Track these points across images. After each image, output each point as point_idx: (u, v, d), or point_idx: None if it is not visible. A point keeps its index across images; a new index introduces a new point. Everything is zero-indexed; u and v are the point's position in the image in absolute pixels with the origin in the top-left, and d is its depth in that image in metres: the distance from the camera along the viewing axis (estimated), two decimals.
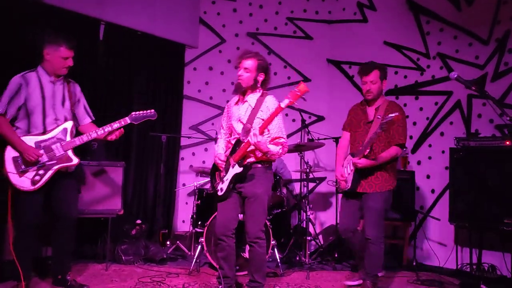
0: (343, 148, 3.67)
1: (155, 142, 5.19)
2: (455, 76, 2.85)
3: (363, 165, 3.29)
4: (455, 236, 4.43)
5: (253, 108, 3.11)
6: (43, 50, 3.14)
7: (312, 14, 5.96)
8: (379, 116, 3.34)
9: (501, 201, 3.66)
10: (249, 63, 3.09)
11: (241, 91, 3.18)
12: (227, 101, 5.60)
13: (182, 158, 5.68)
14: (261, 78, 3.14)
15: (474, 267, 4.04)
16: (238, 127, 3.17)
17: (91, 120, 3.43)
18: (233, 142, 3.19)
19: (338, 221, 3.71)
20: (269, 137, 3.07)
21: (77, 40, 4.50)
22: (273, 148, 3.03)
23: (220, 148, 3.32)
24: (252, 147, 3.00)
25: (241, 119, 3.15)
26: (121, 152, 4.95)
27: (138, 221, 4.63)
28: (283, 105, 2.91)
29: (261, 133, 2.93)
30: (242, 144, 3.04)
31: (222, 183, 3.12)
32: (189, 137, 5.16)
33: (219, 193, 3.14)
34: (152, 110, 3.38)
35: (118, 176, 4.08)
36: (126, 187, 4.73)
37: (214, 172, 3.28)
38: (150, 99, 5.26)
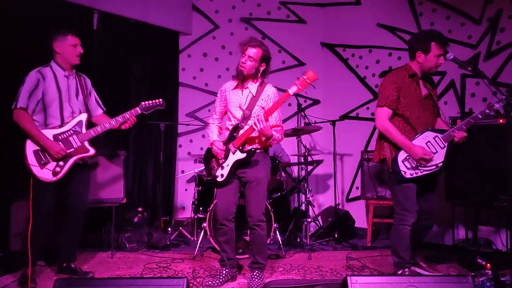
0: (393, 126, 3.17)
1: (152, 130, 5.22)
2: (451, 57, 2.92)
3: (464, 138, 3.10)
4: (451, 213, 4.54)
5: (254, 96, 3.16)
6: (52, 45, 3.24)
7: None
8: (434, 92, 3.25)
9: (496, 178, 3.74)
10: (254, 51, 3.10)
11: (241, 78, 3.20)
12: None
13: (180, 145, 5.71)
14: (262, 68, 3.17)
15: (471, 242, 4.16)
16: (238, 113, 3.20)
17: (102, 111, 3.55)
18: (230, 127, 3.22)
19: (406, 212, 3.12)
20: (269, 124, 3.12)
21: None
22: (275, 133, 3.09)
23: (215, 135, 3.33)
24: (254, 134, 3.06)
25: (241, 105, 3.19)
26: (121, 141, 4.98)
27: (140, 209, 4.69)
28: (291, 92, 2.95)
29: (267, 119, 2.97)
30: (244, 130, 3.08)
31: (222, 169, 3.16)
32: (187, 125, 5.19)
33: (219, 179, 3.16)
34: (161, 100, 3.50)
35: (119, 165, 4.12)
36: (126, 176, 4.77)
37: (210, 158, 3.27)
38: (147, 87, 5.27)
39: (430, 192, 3.26)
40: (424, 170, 3.06)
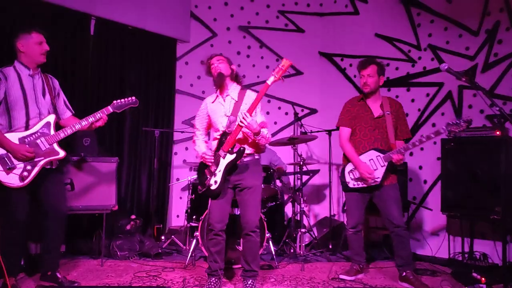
0: (350, 144, 3.68)
1: (148, 137, 5.20)
2: (446, 67, 2.89)
3: (401, 161, 3.51)
4: (447, 226, 4.48)
5: (236, 101, 3.19)
6: (16, 44, 3.10)
7: (303, 7, 5.96)
8: (388, 112, 3.60)
9: (492, 190, 3.70)
10: (219, 57, 3.27)
11: (223, 81, 3.22)
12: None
13: (175, 153, 5.68)
14: (234, 68, 3.30)
15: (466, 255, 4.11)
16: (224, 121, 3.20)
17: (71, 114, 3.42)
18: (218, 137, 3.21)
19: (348, 217, 3.76)
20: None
21: (68, 36, 4.55)
22: (263, 130, 3.13)
23: (203, 147, 3.36)
24: (240, 136, 3.10)
25: (226, 113, 3.21)
26: (114, 147, 4.95)
27: (133, 216, 4.64)
28: (269, 82, 3.01)
29: (250, 114, 3.00)
30: (231, 132, 3.08)
31: (214, 176, 3.13)
32: (182, 132, 5.16)
33: (213, 187, 3.13)
34: (133, 98, 3.38)
35: (112, 171, 4.07)
36: (119, 183, 4.74)
37: (202, 170, 3.24)
38: (143, 94, 5.25)
39: (386, 205, 3.56)
40: (364, 183, 3.55)
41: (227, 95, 3.24)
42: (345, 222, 5.07)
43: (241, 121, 2.99)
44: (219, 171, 3.12)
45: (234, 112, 3.17)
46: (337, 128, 5.27)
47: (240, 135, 3.12)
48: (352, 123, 3.68)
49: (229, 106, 3.21)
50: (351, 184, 3.61)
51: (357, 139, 3.66)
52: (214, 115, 3.27)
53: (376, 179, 3.49)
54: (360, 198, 3.64)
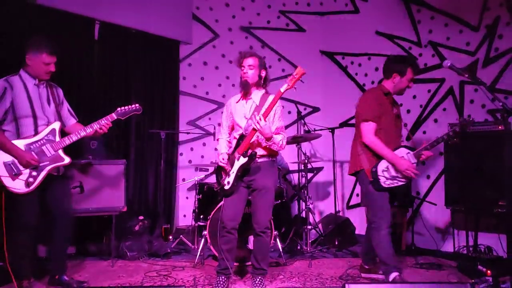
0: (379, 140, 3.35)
1: (153, 138, 5.24)
2: (449, 64, 2.94)
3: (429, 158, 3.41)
4: (451, 220, 4.53)
5: (257, 105, 3.24)
6: (25, 54, 3.15)
7: (304, 7, 6.01)
8: (400, 113, 3.54)
9: (495, 184, 3.75)
10: (251, 61, 3.24)
11: (248, 89, 3.28)
12: (223, 96, 5.69)
13: (181, 154, 5.73)
14: (263, 74, 3.31)
15: (471, 249, 4.16)
16: (243, 123, 3.27)
17: (76, 121, 3.48)
18: (237, 137, 3.29)
19: (382, 215, 3.30)
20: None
21: (73, 41, 4.60)
22: (276, 136, 3.17)
23: (223, 148, 3.43)
24: (255, 139, 3.16)
25: (246, 115, 3.27)
26: (121, 150, 5.00)
27: (141, 217, 4.70)
28: (282, 89, 3.07)
29: (265, 118, 3.04)
30: (247, 136, 3.15)
31: (228, 177, 3.21)
32: (187, 133, 5.22)
33: (226, 187, 3.21)
34: (137, 105, 3.43)
35: (120, 173, 4.14)
36: (127, 184, 4.79)
37: (219, 171, 3.36)
38: (148, 96, 5.30)
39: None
40: (399, 181, 3.30)
41: (249, 98, 3.31)
42: (351, 220, 5.15)
43: (255, 124, 3.04)
44: (233, 172, 3.19)
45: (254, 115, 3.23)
46: (340, 126, 5.40)
47: (254, 138, 3.17)
48: (382, 119, 3.36)
49: (250, 109, 3.27)
50: (387, 183, 3.29)
51: (391, 136, 3.38)
52: (236, 115, 3.34)
53: (418, 174, 3.31)
54: (388, 196, 3.38)
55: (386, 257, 3.25)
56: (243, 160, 3.15)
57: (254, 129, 3.07)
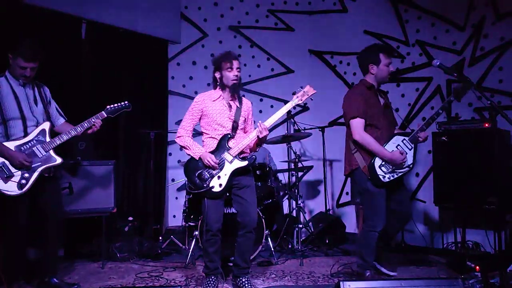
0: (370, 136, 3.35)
1: (142, 138, 5.20)
2: (438, 63, 2.99)
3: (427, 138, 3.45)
4: (440, 217, 4.59)
5: (238, 107, 3.29)
6: (8, 55, 3.12)
7: (292, 6, 6.02)
8: (389, 101, 3.58)
9: (483, 181, 3.80)
10: (238, 62, 3.27)
11: (238, 91, 3.33)
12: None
13: (170, 154, 5.70)
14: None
15: (459, 245, 4.21)
16: (226, 123, 3.24)
17: (65, 120, 3.45)
18: (217, 138, 3.23)
19: (376, 218, 3.31)
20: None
21: (60, 40, 4.53)
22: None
23: (199, 146, 3.27)
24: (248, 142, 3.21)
25: (230, 116, 3.26)
26: (110, 150, 4.95)
27: (130, 218, 4.66)
28: (293, 103, 3.26)
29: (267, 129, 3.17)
30: (246, 139, 3.17)
31: (219, 179, 3.15)
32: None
33: (217, 189, 3.14)
34: (126, 102, 3.42)
35: (109, 174, 4.10)
36: (116, 185, 4.74)
37: (197, 170, 3.18)
38: (136, 96, 5.24)
39: (400, 194, 3.49)
40: (399, 172, 3.32)
41: (234, 100, 3.31)
42: (341, 219, 5.18)
43: (260, 132, 3.12)
44: (225, 174, 3.15)
45: (237, 117, 3.26)
46: (330, 125, 5.42)
47: (248, 143, 3.21)
48: (369, 114, 3.35)
49: (234, 110, 3.28)
50: (386, 178, 3.29)
51: (381, 129, 3.38)
52: (215, 114, 3.24)
53: (410, 165, 3.32)
54: (385, 196, 3.36)
55: (367, 255, 3.34)
56: (240, 163, 3.17)
57: (258, 137, 3.15)
